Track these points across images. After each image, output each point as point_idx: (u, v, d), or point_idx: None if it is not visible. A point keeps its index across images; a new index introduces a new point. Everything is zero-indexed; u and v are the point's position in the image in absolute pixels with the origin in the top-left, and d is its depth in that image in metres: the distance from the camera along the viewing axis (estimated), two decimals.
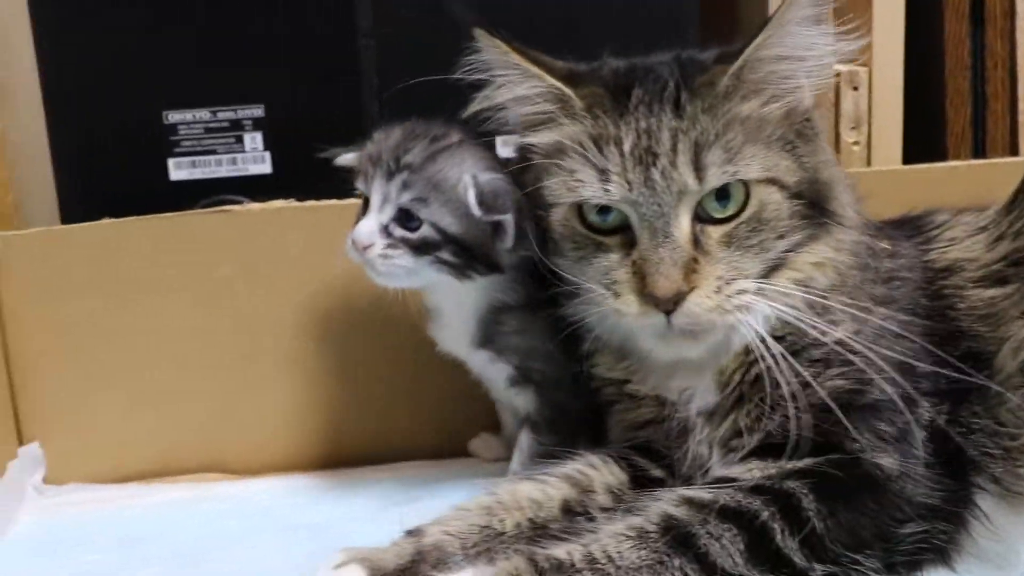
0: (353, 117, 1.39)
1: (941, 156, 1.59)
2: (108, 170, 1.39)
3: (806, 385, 0.87)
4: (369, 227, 0.97)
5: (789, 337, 0.89)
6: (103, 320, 1.22)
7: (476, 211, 0.96)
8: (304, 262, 1.20)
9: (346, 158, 1.05)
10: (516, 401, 1.09)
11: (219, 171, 1.40)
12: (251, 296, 1.22)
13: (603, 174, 0.87)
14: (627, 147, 0.86)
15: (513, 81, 0.94)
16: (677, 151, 0.85)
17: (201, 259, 1.21)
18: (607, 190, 0.87)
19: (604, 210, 0.89)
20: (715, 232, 0.87)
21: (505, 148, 1.42)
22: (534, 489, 0.95)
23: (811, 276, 0.90)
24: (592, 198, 0.88)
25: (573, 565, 0.81)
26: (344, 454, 1.18)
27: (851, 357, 0.88)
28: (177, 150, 1.39)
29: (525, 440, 1.08)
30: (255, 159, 1.40)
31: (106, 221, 1.20)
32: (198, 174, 1.40)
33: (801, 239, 0.90)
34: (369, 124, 1.38)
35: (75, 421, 1.24)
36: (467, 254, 0.99)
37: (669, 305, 0.85)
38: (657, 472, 0.97)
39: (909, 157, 1.54)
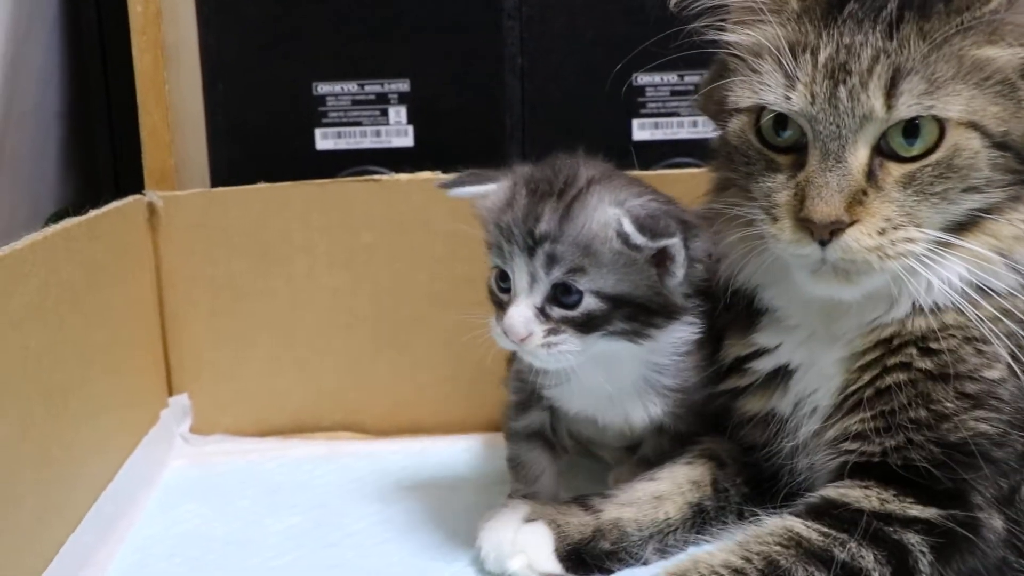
0: (496, 97, 1.42)
1: None
2: (257, 137, 1.44)
3: (945, 418, 0.82)
4: (523, 315, 0.85)
5: (943, 356, 0.82)
6: (251, 280, 1.27)
7: (639, 240, 0.84)
8: (446, 232, 1.23)
9: (463, 191, 0.94)
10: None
11: (363, 142, 1.44)
12: (391, 263, 1.25)
13: (789, 81, 0.80)
14: (822, 58, 0.79)
15: None
16: (872, 73, 0.78)
17: (346, 225, 1.25)
18: (788, 97, 0.80)
19: (781, 125, 0.83)
20: (896, 170, 0.79)
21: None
22: (689, 471, 0.96)
23: (1012, 248, 0.81)
24: (772, 103, 0.81)
25: None
26: (481, 419, 1.21)
27: (1000, 403, 0.82)
28: (324, 121, 1.43)
29: (660, 446, 1.01)
30: (398, 132, 1.44)
31: (261, 185, 1.25)
32: (343, 145, 1.44)
33: (1001, 200, 0.81)
34: (511, 106, 1.43)
35: (220, 375, 1.29)
36: (642, 312, 0.87)
37: (824, 234, 0.78)
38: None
39: None
